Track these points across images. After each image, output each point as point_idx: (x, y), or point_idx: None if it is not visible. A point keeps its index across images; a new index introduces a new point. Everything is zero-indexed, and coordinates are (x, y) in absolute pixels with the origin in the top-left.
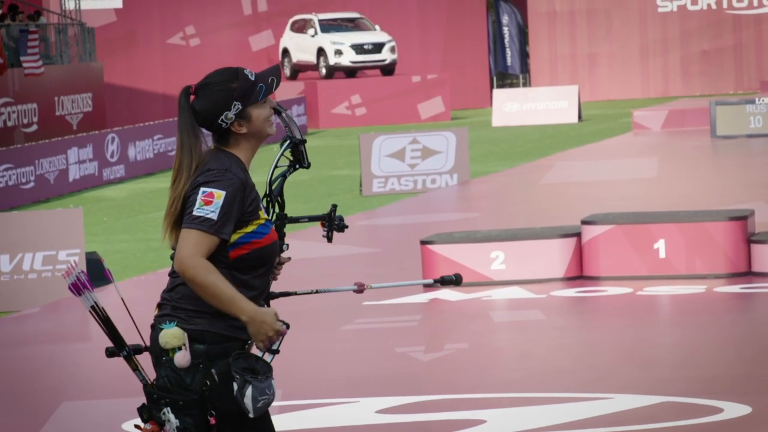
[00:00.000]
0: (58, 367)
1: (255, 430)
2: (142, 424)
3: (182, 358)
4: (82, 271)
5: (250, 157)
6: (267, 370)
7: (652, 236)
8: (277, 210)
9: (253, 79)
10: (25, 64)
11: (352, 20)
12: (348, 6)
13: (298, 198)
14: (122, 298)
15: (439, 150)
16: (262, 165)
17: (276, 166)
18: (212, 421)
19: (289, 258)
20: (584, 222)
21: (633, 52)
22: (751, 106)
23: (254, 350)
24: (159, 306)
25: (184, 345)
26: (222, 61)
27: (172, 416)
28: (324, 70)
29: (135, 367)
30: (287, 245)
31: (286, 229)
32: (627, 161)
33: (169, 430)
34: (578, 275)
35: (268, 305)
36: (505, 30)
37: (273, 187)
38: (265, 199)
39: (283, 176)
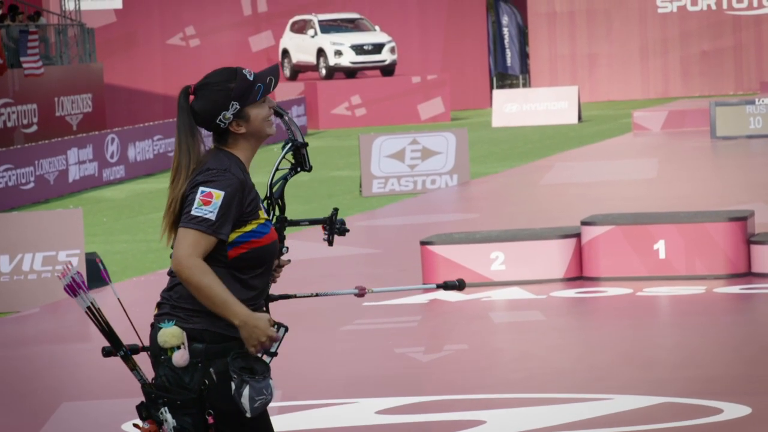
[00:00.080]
0: (58, 367)
1: (253, 429)
2: (141, 423)
3: (181, 357)
4: (78, 272)
5: (249, 157)
6: (265, 370)
7: (651, 237)
8: (277, 213)
9: (251, 78)
10: (25, 65)
11: (351, 21)
12: (348, 6)
13: (298, 199)
14: (119, 299)
15: (439, 151)
16: (263, 165)
17: (277, 169)
18: (210, 420)
19: (289, 260)
20: (584, 223)
21: (633, 52)
22: (751, 106)
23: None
24: (158, 305)
25: (183, 344)
26: (222, 62)
27: (169, 416)
28: (324, 71)
29: (133, 367)
30: (287, 248)
31: (285, 231)
32: (627, 162)
33: (167, 429)
34: (578, 276)
35: (267, 309)
36: (505, 30)
37: (274, 189)
38: (265, 201)
39: (284, 179)
